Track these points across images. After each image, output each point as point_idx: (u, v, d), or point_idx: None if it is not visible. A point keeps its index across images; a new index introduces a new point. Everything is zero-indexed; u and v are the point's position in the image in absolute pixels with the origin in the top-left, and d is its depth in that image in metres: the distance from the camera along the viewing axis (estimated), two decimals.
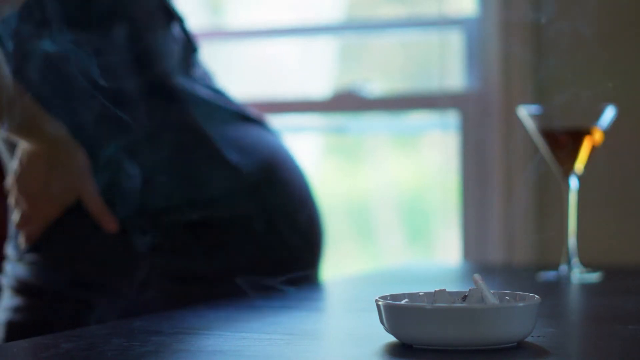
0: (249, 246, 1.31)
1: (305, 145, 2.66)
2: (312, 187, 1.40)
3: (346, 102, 2.44)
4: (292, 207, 1.35)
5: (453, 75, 2.41)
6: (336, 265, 2.61)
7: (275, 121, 2.46)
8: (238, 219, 1.30)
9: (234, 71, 2.66)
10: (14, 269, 1.30)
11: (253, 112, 1.42)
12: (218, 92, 1.38)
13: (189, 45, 1.38)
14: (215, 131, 1.32)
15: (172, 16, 1.34)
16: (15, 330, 1.26)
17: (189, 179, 1.28)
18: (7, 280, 1.31)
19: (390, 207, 2.68)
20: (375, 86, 2.45)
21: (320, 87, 2.58)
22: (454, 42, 2.40)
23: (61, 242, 1.27)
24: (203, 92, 1.34)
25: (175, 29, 1.35)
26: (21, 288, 1.28)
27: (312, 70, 2.66)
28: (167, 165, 1.28)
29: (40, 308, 1.26)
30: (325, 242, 1.41)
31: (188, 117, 1.31)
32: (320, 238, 1.39)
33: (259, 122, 1.40)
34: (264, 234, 1.31)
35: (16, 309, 1.27)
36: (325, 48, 2.66)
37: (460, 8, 2.42)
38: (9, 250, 1.33)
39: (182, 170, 1.28)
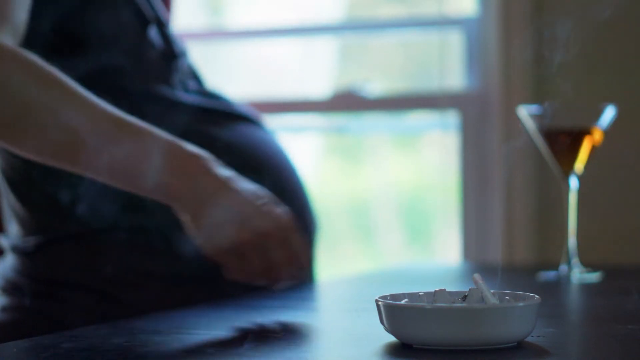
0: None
1: (305, 145, 2.66)
2: (305, 185, 1.40)
3: (346, 102, 2.44)
4: (284, 204, 1.35)
5: (453, 75, 2.41)
6: (336, 265, 2.61)
7: (275, 121, 2.46)
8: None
9: (234, 71, 2.66)
10: (4, 264, 1.29)
11: (246, 110, 1.41)
12: (204, 94, 1.37)
13: (170, 51, 1.35)
14: (202, 132, 1.31)
15: (147, 20, 1.31)
16: (4, 330, 1.26)
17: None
18: None
19: (390, 207, 2.68)
20: (375, 86, 2.45)
21: (320, 87, 2.58)
22: (454, 42, 2.40)
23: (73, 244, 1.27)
24: (183, 96, 1.33)
25: (153, 34, 1.32)
26: (8, 287, 1.27)
27: (312, 70, 2.66)
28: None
29: (27, 308, 1.26)
30: (318, 238, 1.40)
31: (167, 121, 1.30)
32: (312, 234, 1.38)
33: (250, 121, 1.40)
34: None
35: (4, 309, 1.27)
36: (325, 48, 2.65)
37: (460, 8, 2.42)
38: (4, 240, 1.32)
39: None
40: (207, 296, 1.25)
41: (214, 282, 1.28)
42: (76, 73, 1.14)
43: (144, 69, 1.28)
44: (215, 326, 1.00)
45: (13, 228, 1.30)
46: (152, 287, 1.26)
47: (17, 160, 1.27)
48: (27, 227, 1.28)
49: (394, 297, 0.86)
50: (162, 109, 1.30)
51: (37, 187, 1.27)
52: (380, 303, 0.83)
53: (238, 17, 2.72)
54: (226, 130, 1.33)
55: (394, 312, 0.81)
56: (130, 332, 0.93)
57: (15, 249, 1.28)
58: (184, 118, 1.30)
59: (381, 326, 0.83)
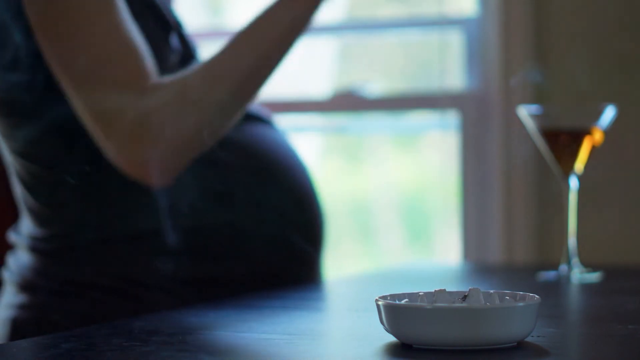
0: (251, 244, 1.31)
1: (305, 145, 2.66)
2: (316, 186, 1.40)
3: (346, 102, 2.44)
4: (295, 205, 1.35)
5: (453, 75, 2.41)
6: (337, 265, 2.61)
7: (276, 121, 2.46)
8: (240, 217, 1.30)
9: None
10: (19, 261, 1.29)
11: (258, 109, 1.42)
12: None
13: (187, 53, 1.36)
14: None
15: (170, 26, 1.32)
16: (21, 328, 1.26)
17: (194, 180, 1.28)
18: (10, 275, 1.30)
19: (390, 207, 2.68)
20: (375, 86, 2.45)
21: (320, 87, 2.58)
22: (454, 42, 2.40)
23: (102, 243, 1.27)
24: None
25: (174, 40, 1.33)
26: (26, 285, 1.27)
27: (312, 70, 2.66)
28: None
29: (47, 306, 1.26)
30: (327, 241, 1.41)
31: None
32: (322, 237, 1.39)
33: (263, 120, 1.40)
34: (266, 232, 1.31)
35: (21, 306, 1.26)
36: (325, 48, 2.65)
37: (460, 8, 2.42)
38: (16, 236, 1.32)
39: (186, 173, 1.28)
40: (229, 296, 1.25)
41: (236, 282, 1.29)
42: None
43: (166, 74, 1.28)
44: (215, 326, 1.00)
45: (27, 227, 1.30)
46: (175, 288, 1.27)
47: (35, 167, 1.28)
48: (49, 229, 1.28)
49: (394, 297, 0.86)
50: None
51: (59, 194, 1.28)
52: (380, 303, 0.83)
53: (238, 17, 2.72)
54: (238, 130, 1.33)
55: (394, 312, 0.81)
56: (130, 332, 0.94)
57: (35, 250, 1.28)
58: None
59: (381, 326, 0.83)
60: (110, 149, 1.19)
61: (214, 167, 1.29)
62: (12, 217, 1.39)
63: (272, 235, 1.32)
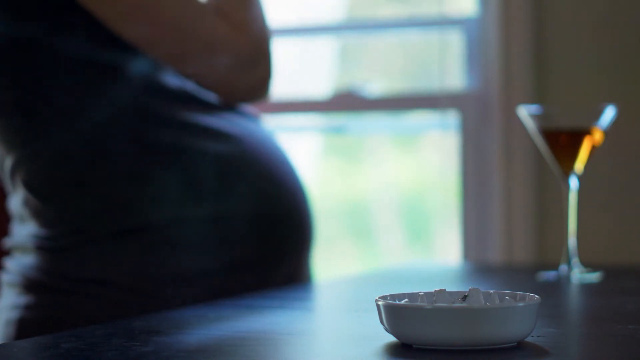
0: (235, 238, 1.31)
1: (305, 145, 2.66)
2: (303, 182, 1.40)
3: (346, 102, 2.44)
4: (280, 198, 1.35)
5: (453, 75, 2.41)
6: (335, 265, 2.61)
7: (275, 121, 2.46)
8: (224, 210, 1.30)
9: None
10: (20, 262, 1.29)
11: (246, 107, 1.42)
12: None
13: None
14: (201, 121, 1.32)
15: None
16: (28, 328, 1.25)
17: (177, 174, 1.28)
18: (11, 277, 1.30)
19: (390, 207, 2.68)
20: (375, 86, 2.45)
21: (320, 87, 2.58)
22: (454, 42, 2.40)
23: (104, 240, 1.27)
24: (189, 85, 1.34)
25: None
26: (31, 285, 1.27)
27: (312, 70, 2.66)
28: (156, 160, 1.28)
29: (54, 305, 1.26)
30: (315, 235, 1.40)
31: (174, 112, 1.31)
32: (309, 231, 1.38)
33: (250, 116, 1.40)
34: (250, 226, 1.31)
35: (27, 307, 1.26)
36: (325, 48, 2.65)
37: (460, 8, 2.42)
38: (13, 240, 1.32)
39: (170, 165, 1.28)
40: (237, 290, 1.25)
41: (244, 275, 1.29)
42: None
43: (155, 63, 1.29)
44: (215, 326, 1.00)
45: (30, 229, 1.29)
46: (183, 282, 1.27)
47: (38, 165, 1.28)
48: (55, 228, 1.28)
49: (393, 297, 0.86)
50: (162, 98, 1.30)
51: (64, 193, 1.28)
52: (380, 303, 0.83)
53: None
54: (224, 120, 1.34)
55: (394, 312, 0.81)
56: (130, 332, 0.94)
57: (41, 248, 1.28)
58: (181, 105, 1.31)
59: (381, 326, 0.83)
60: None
61: (205, 157, 1.30)
62: (6, 228, 1.39)
63: (259, 227, 1.32)
